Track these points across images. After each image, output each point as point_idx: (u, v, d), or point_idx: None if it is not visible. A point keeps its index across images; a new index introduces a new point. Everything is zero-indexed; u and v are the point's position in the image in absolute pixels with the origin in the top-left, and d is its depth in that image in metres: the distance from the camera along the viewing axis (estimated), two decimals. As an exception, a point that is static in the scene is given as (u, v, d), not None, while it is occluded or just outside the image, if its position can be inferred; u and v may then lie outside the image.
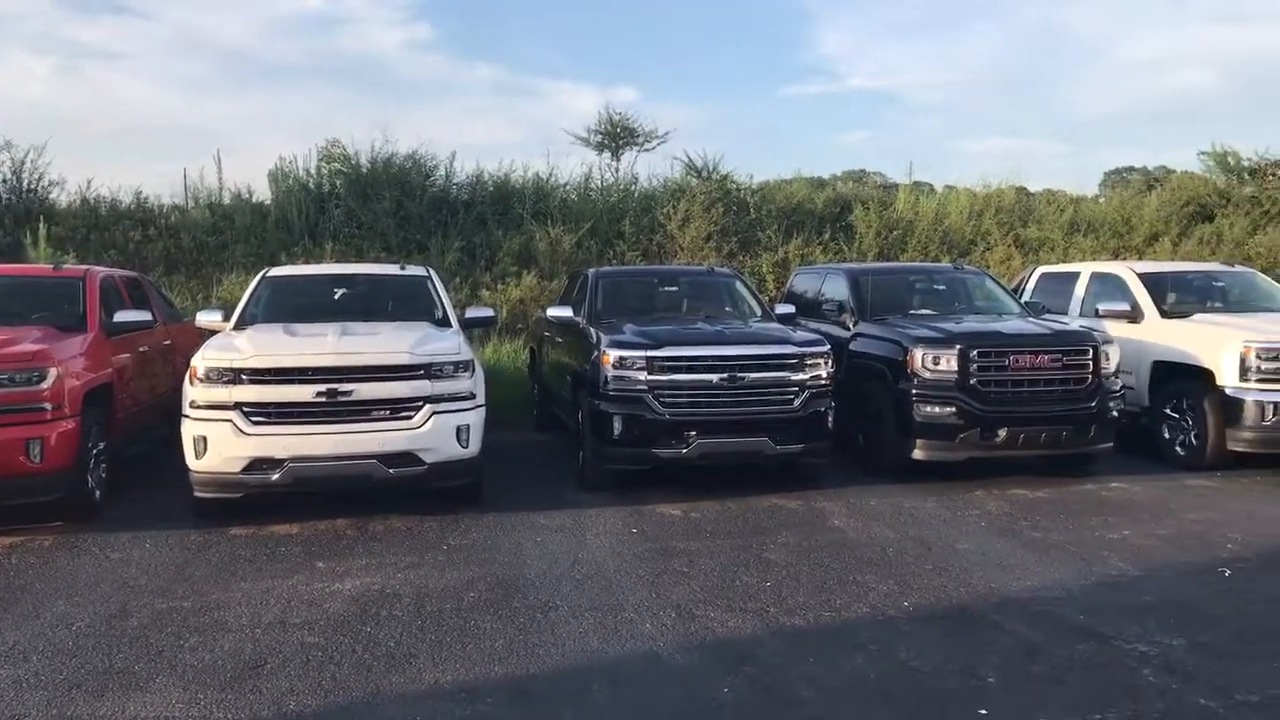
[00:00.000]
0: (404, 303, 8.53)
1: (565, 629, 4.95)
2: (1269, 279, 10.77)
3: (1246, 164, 21.32)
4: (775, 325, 8.71)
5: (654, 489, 7.87)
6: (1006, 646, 4.73)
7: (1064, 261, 15.56)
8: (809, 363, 7.86)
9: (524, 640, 4.79)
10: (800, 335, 8.21)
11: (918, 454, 8.17)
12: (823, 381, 7.94)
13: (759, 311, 9.35)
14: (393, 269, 9.54)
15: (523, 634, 4.87)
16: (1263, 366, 8.30)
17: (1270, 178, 21.74)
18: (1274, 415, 8.22)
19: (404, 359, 6.86)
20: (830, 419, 7.97)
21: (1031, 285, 11.49)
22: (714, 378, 7.65)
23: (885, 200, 19.49)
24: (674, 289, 9.88)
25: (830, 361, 8.04)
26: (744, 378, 7.67)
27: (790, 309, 9.53)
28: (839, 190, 20.60)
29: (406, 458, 6.77)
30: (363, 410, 6.73)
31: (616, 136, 19.76)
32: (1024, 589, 5.57)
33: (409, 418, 6.79)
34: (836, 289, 10.12)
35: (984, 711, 4.02)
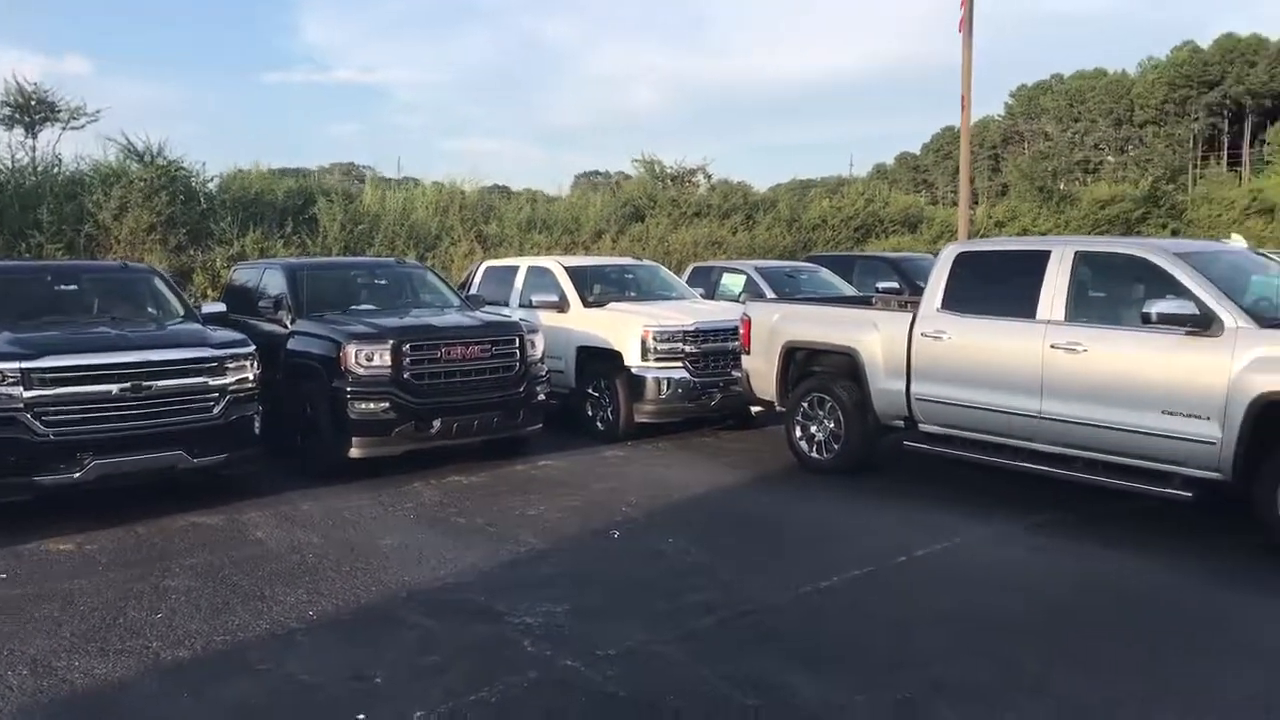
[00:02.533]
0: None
1: None
2: (670, 271, 12.41)
3: (670, 171, 24.62)
4: (194, 326, 7.96)
5: (47, 522, 6.74)
6: (404, 641, 4.74)
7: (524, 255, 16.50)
8: (230, 366, 7.30)
9: None
10: (220, 336, 7.59)
11: (354, 452, 8.03)
12: (248, 385, 7.43)
13: (180, 311, 8.50)
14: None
15: None
16: (659, 348, 9.49)
17: (688, 184, 25.31)
18: (668, 390, 9.43)
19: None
20: (257, 424, 7.49)
21: (479, 279, 11.97)
22: (113, 388, 6.75)
23: (351, 194, 19.15)
24: (75, 288, 8.58)
25: (257, 363, 7.56)
26: (150, 386, 6.88)
27: (221, 307, 8.82)
28: (303, 182, 19.73)
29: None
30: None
31: (30, 110, 16.87)
32: (435, 578, 5.67)
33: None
34: (274, 285, 9.59)
35: (361, 716, 3.95)
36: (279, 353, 8.69)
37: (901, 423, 7.81)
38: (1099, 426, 6.42)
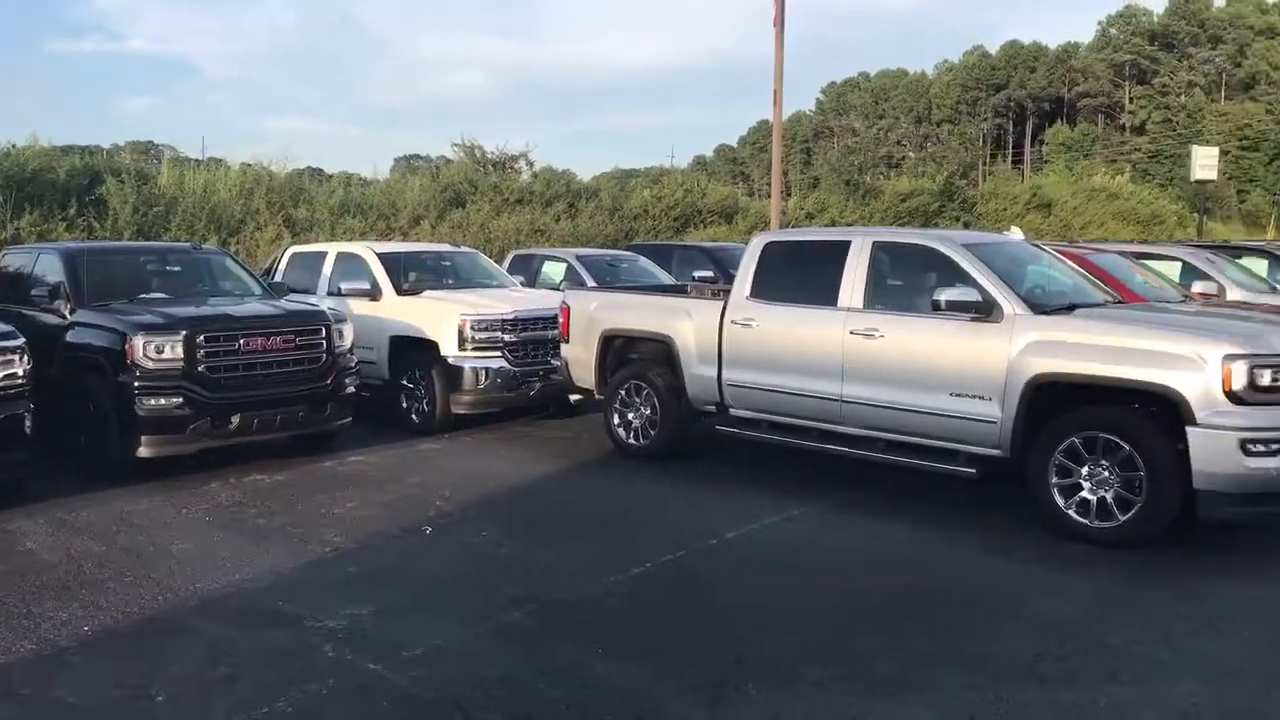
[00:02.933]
0: None
1: None
2: (489, 259, 12.21)
3: (491, 156, 24.24)
4: (-50, 317, 7.17)
5: None
6: (192, 653, 4.44)
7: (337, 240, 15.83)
8: (-8, 361, 6.62)
9: None
10: (-22, 329, 6.87)
11: (144, 451, 7.46)
12: (17, 381, 6.76)
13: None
14: None
15: None
16: (477, 337, 9.30)
17: (510, 170, 25.03)
18: (486, 380, 9.27)
19: None
20: (28, 424, 6.82)
21: (284, 266, 11.38)
22: None
23: (147, 174, 17.82)
24: None
25: (26, 357, 6.88)
26: (-106, 384, 6.14)
27: (-17, 297, 8.00)
28: (89, 161, 18.17)
29: None
30: None
31: None
32: (230, 584, 5.34)
33: None
34: (51, 272, 8.76)
35: (139, 738, 3.66)
36: (56, 345, 7.97)
37: (714, 408, 7.98)
38: (894, 408, 6.76)
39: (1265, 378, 5.53)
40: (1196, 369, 5.58)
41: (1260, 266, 12.01)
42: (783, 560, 5.81)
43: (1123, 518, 5.83)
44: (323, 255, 11.10)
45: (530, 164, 25.94)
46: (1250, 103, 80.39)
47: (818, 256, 7.61)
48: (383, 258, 10.51)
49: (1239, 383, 5.50)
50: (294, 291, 9.91)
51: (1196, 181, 40.02)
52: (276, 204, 18.22)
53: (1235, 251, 12.70)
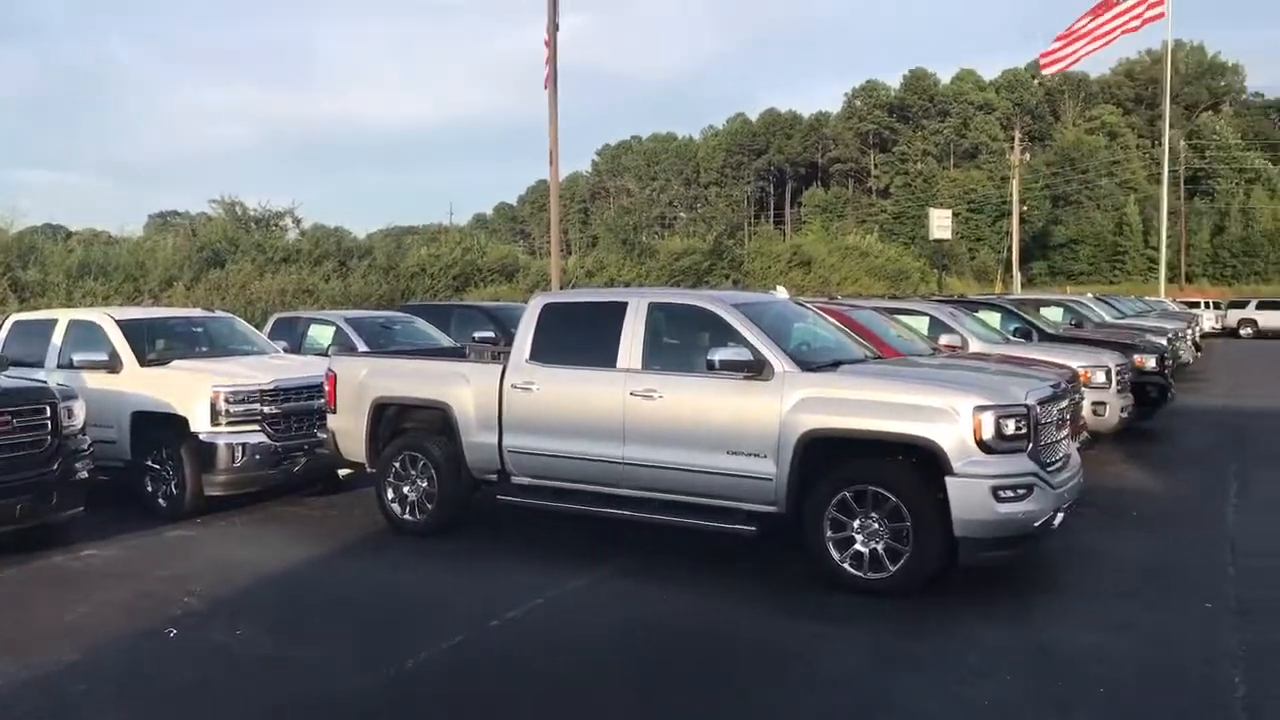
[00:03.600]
0: None
1: None
2: (247, 324, 11.38)
3: (254, 213, 22.97)
4: None
5: None
6: None
7: (72, 306, 14.31)
8: None
9: None
10: None
11: None
12: None
13: None
14: None
15: None
16: (232, 410, 8.54)
17: (274, 227, 23.82)
18: (244, 457, 8.52)
19: None
20: None
21: (4, 335, 10.10)
22: None
23: None
24: None
25: None
26: None
27: None
28: None
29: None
30: None
31: None
32: (-84, 721, 4.49)
33: None
34: None
35: None
36: None
37: (495, 476, 7.69)
38: (675, 468, 6.75)
39: (1010, 426, 5.93)
40: (951, 421, 5.91)
41: (994, 319, 13.19)
42: (566, 637, 5.59)
43: (893, 568, 6.05)
44: (52, 323, 9.95)
45: (297, 221, 24.85)
46: (975, 170, 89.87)
47: (596, 318, 7.56)
48: (123, 325, 9.53)
49: (988, 432, 5.86)
50: (16, 365, 8.79)
51: (934, 240, 44.14)
52: (2, 265, 16.36)
53: (973, 306, 13.90)
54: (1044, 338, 13.06)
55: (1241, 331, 43.11)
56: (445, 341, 12.67)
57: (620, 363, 7.07)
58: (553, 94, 20.34)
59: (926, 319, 11.75)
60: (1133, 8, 36.65)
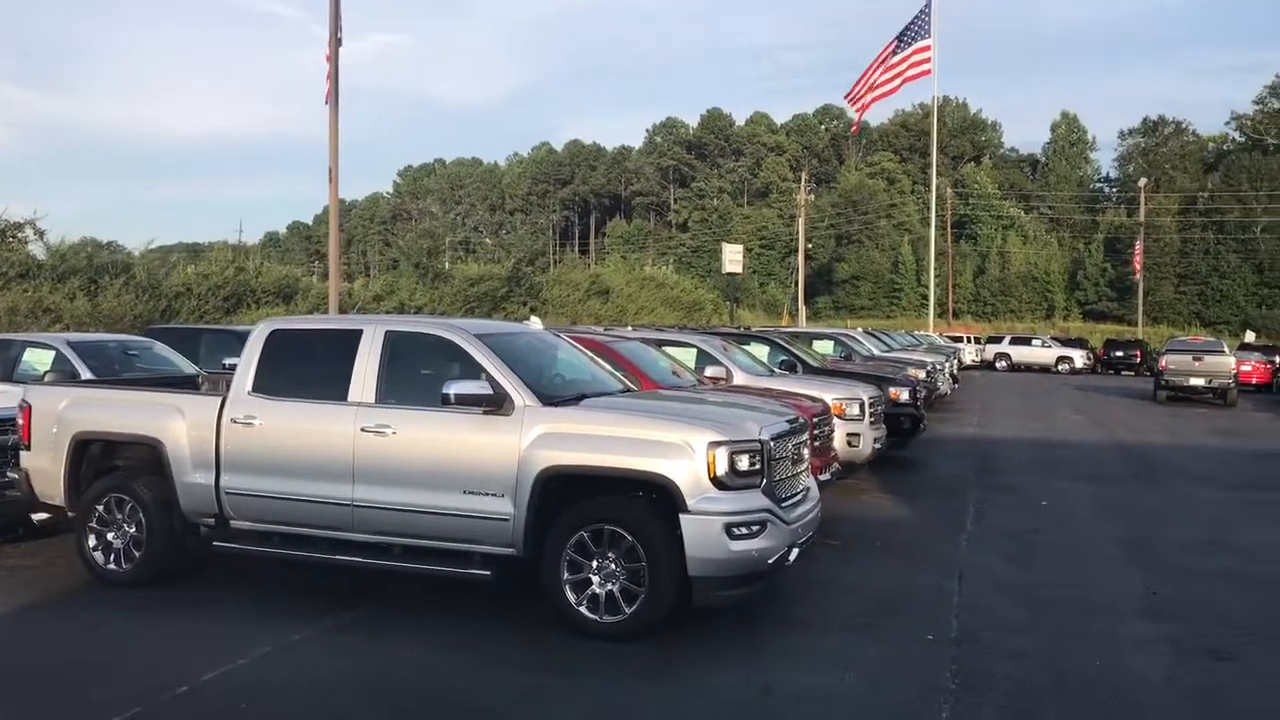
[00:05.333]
0: None
1: None
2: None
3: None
4: None
5: None
6: None
7: None
8: None
9: None
10: None
11: None
12: None
13: None
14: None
15: None
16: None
17: (13, 240, 21.46)
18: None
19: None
20: None
21: None
22: None
23: None
24: None
25: None
26: None
27: None
28: None
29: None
30: None
31: None
32: None
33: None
34: None
35: None
36: None
37: (212, 520, 6.95)
38: (408, 510, 6.28)
39: (743, 462, 5.87)
40: (686, 456, 5.78)
41: (763, 352, 13.49)
42: (263, 703, 5.00)
43: (629, 610, 5.84)
44: None
45: (40, 233, 22.45)
46: (766, 208, 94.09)
47: (328, 347, 7.01)
48: None
49: (722, 468, 5.77)
50: None
51: (727, 274, 45.64)
52: None
53: (744, 338, 14.18)
54: (808, 370, 13.48)
55: (997, 364, 46.99)
56: (188, 369, 11.61)
57: (352, 395, 6.56)
58: (334, 110, 19.39)
59: (695, 351, 11.82)
60: (908, 59, 39.68)
